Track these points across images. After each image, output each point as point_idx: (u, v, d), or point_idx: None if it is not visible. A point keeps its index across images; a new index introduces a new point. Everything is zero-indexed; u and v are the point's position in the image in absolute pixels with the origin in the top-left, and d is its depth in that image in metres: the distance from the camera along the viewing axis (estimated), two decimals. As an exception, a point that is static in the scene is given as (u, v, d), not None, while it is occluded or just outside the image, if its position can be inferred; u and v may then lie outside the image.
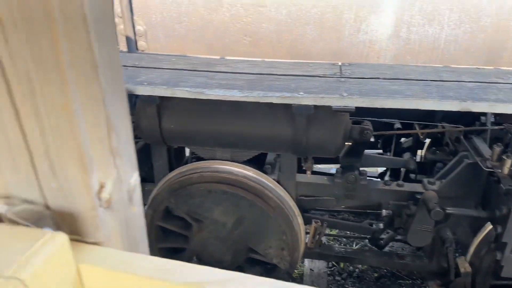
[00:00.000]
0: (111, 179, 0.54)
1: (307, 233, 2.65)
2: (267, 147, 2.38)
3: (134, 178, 0.63)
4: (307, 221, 2.62)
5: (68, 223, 0.51)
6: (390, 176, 3.39)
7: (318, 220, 2.61)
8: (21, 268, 0.42)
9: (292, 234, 2.46)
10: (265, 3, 2.23)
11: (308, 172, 2.41)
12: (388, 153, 3.31)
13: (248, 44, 2.39)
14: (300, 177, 2.49)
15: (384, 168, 3.51)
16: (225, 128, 2.26)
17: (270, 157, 2.62)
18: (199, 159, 2.53)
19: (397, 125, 2.99)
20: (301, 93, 1.79)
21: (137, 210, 0.64)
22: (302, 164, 2.45)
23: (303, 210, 2.59)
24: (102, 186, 0.52)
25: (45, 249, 0.44)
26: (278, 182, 2.46)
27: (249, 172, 2.39)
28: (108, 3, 0.51)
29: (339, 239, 3.70)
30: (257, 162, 2.51)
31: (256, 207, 2.39)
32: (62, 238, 0.47)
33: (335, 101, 1.77)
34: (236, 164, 2.41)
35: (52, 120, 0.46)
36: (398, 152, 3.19)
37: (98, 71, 0.50)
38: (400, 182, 2.53)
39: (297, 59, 2.33)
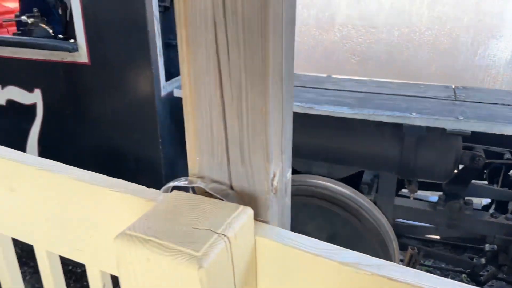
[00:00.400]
0: (279, 171, 0.66)
1: (401, 260, 2.58)
2: (370, 165, 2.37)
3: (289, 173, 0.74)
4: (401, 247, 2.55)
5: (246, 203, 0.63)
6: (495, 209, 3.15)
7: (415, 247, 2.53)
8: (227, 228, 0.54)
9: (386, 258, 2.41)
10: (377, 24, 2.28)
11: (412, 195, 2.37)
12: (495, 185, 3.09)
13: (356, 64, 2.45)
14: (399, 201, 2.45)
15: (489, 200, 3.27)
16: (329, 143, 2.32)
17: (367, 177, 2.60)
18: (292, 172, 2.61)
19: (508, 155, 2.79)
20: (414, 113, 1.80)
21: (288, 202, 0.75)
22: (406, 187, 2.41)
23: (397, 235, 2.53)
24: (274, 175, 0.63)
25: (240, 218, 0.57)
26: (374, 203, 2.44)
27: (346, 190, 2.40)
28: (293, 27, 0.63)
29: (432, 270, 3.51)
30: (352, 182, 2.51)
31: (350, 226, 2.38)
32: (249, 212, 0.59)
33: (450, 124, 1.75)
34: (333, 180, 2.44)
35: (250, 118, 0.59)
36: (506, 185, 2.96)
37: (282, 82, 0.61)
38: (510, 215, 2.37)
39: (407, 80, 2.33)
